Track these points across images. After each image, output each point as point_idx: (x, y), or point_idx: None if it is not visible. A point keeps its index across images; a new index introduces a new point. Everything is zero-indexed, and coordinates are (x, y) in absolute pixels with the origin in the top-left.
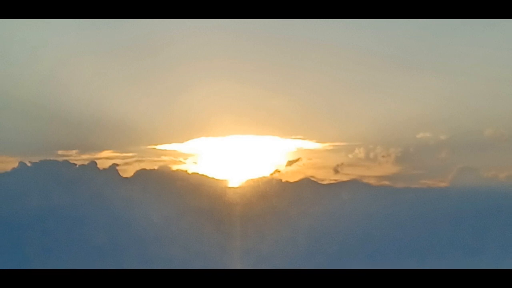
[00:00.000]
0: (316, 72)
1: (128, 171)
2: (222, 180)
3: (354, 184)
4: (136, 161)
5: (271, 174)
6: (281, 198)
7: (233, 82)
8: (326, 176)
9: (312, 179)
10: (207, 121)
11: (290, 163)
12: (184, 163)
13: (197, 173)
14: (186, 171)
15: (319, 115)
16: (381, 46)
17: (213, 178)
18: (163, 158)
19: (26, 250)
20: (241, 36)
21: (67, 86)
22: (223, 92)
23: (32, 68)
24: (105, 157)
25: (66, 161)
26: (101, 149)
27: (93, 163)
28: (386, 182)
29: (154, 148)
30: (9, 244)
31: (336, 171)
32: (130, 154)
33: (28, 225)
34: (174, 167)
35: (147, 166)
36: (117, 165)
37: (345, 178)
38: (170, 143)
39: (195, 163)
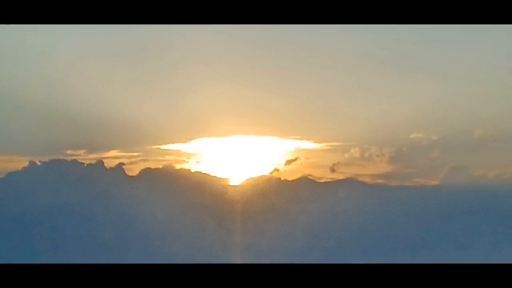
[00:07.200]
0: (314, 74)
1: (133, 170)
2: (223, 178)
3: (350, 182)
4: (141, 160)
5: (271, 173)
6: (280, 195)
7: (234, 85)
8: (323, 175)
9: (310, 177)
10: (209, 122)
11: (288, 162)
12: (187, 162)
13: (200, 172)
14: (189, 170)
15: (317, 116)
16: (376, 49)
17: (215, 176)
18: (167, 157)
19: (35, 245)
20: (242, 40)
21: (75, 89)
22: (225, 94)
23: (42, 71)
24: (111, 157)
25: (74, 160)
26: (108, 149)
27: (100, 162)
28: (381, 181)
29: (159, 148)
30: (19, 240)
31: (332, 170)
32: (136, 154)
33: (38, 222)
34: (178, 166)
35: (152, 165)
36: (123, 164)
37: (341, 177)
38: (173, 143)
39: (198, 162)
